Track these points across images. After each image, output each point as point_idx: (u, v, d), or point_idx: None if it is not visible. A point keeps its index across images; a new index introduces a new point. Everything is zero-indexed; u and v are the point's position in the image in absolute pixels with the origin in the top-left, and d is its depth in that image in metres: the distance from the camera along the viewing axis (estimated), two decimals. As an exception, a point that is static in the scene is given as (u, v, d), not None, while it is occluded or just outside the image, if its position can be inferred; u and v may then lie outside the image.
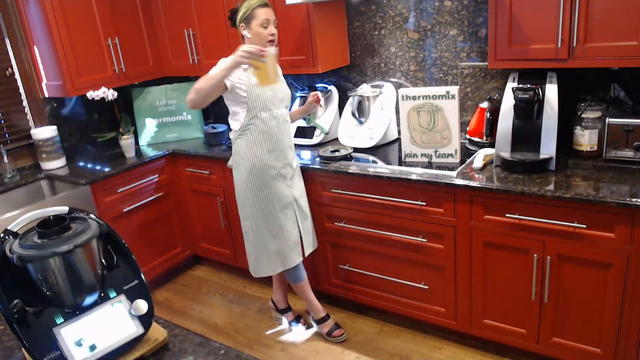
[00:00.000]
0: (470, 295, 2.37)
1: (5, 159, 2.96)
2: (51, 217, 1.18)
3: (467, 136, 2.64)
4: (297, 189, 2.55)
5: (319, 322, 2.73)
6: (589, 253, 1.99)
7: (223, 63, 2.20)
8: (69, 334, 1.12)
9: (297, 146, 2.98)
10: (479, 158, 2.34)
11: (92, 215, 1.24)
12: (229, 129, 2.55)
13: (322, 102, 2.78)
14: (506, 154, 2.24)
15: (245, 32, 2.35)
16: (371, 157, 2.64)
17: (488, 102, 2.54)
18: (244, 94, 2.32)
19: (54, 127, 3.13)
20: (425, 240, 2.40)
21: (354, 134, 2.82)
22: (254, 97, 2.33)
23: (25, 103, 3.18)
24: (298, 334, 2.79)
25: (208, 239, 3.42)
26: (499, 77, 2.59)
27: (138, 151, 3.33)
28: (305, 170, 2.67)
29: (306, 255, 2.61)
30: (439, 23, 2.67)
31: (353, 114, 2.85)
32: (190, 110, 3.55)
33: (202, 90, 2.23)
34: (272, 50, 2.17)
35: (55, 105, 3.26)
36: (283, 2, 2.70)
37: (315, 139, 2.93)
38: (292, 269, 2.56)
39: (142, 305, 1.20)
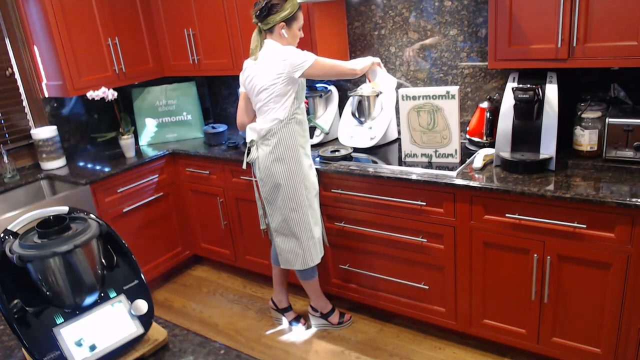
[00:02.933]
0: (470, 295, 2.37)
1: (5, 159, 2.96)
2: (51, 217, 1.18)
3: (467, 136, 2.64)
4: None
5: (328, 315, 2.76)
6: (589, 253, 1.99)
7: (364, 62, 2.56)
8: (69, 334, 1.12)
9: (297, 146, 2.99)
10: (479, 158, 2.34)
11: (92, 215, 1.24)
12: (271, 120, 2.41)
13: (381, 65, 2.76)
14: (506, 154, 2.24)
15: (283, 31, 2.34)
16: (371, 157, 2.64)
17: (488, 102, 2.54)
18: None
19: (54, 127, 3.14)
20: (426, 240, 2.40)
21: (354, 134, 2.82)
22: (302, 86, 2.42)
23: (25, 103, 3.19)
24: (298, 334, 2.79)
25: (208, 239, 3.42)
26: (499, 77, 2.59)
27: (138, 151, 3.33)
28: (305, 170, 2.67)
29: (327, 243, 2.74)
30: (439, 23, 2.67)
31: (353, 114, 2.85)
32: (190, 110, 3.55)
33: (357, 71, 2.52)
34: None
35: (55, 105, 3.26)
36: (283, 2, 2.71)
37: (315, 139, 2.93)
38: (313, 266, 2.61)
39: (142, 305, 1.20)
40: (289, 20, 2.33)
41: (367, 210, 2.54)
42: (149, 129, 3.53)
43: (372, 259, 2.64)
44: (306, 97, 2.97)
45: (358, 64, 2.53)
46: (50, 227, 1.13)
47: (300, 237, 2.52)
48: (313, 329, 2.80)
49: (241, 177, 2.98)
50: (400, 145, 2.65)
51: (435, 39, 2.68)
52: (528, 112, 2.17)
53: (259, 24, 2.35)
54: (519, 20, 2.14)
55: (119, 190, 3.01)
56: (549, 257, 2.08)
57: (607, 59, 2.00)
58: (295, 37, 2.41)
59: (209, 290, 3.36)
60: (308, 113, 2.93)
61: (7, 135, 3.11)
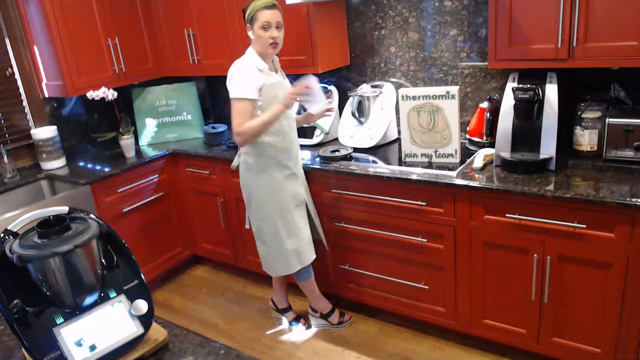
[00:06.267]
0: (470, 295, 2.37)
1: (5, 159, 2.96)
2: (51, 217, 1.18)
3: (467, 136, 2.64)
4: (306, 187, 2.60)
5: (327, 315, 2.77)
6: (589, 253, 1.99)
7: (275, 110, 2.26)
8: (69, 334, 1.12)
9: (297, 146, 2.99)
10: (479, 158, 2.34)
11: (92, 215, 1.24)
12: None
13: (333, 106, 2.64)
14: (506, 154, 2.24)
15: (249, 34, 2.33)
16: (371, 157, 2.64)
17: (488, 102, 2.53)
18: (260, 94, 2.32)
19: (54, 127, 3.14)
20: (426, 240, 2.40)
21: (354, 134, 2.82)
22: (271, 96, 2.31)
23: (25, 103, 3.18)
24: (298, 334, 2.79)
25: (208, 239, 3.42)
26: (499, 77, 2.59)
27: (138, 151, 3.33)
28: (305, 170, 2.66)
29: (327, 247, 2.73)
30: (439, 23, 2.67)
31: (353, 114, 2.85)
32: (190, 110, 3.56)
33: (257, 134, 2.30)
34: (311, 78, 2.26)
35: (55, 105, 3.26)
36: (283, 2, 2.70)
37: (315, 139, 2.93)
38: (306, 267, 2.59)
39: (142, 305, 1.20)
40: (251, 21, 2.29)
41: (367, 210, 2.54)
42: (149, 129, 3.53)
43: (372, 259, 2.64)
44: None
45: (266, 116, 2.27)
46: (50, 227, 1.13)
47: (269, 246, 2.53)
48: (313, 329, 2.80)
49: (241, 177, 2.98)
50: (400, 145, 2.65)
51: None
52: (528, 112, 2.17)
53: None
54: (519, 20, 2.14)
55: (119, 190, 3.01)
56: (549, 257, 2.08)
57: (607, 59, 2.00)
58: (259, 38, 2.27)
59: (209, 290, 3.36)
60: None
61: (7, 135, 3.11)
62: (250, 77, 2.27)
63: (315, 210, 2.68)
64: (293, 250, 2.51)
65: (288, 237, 2.48)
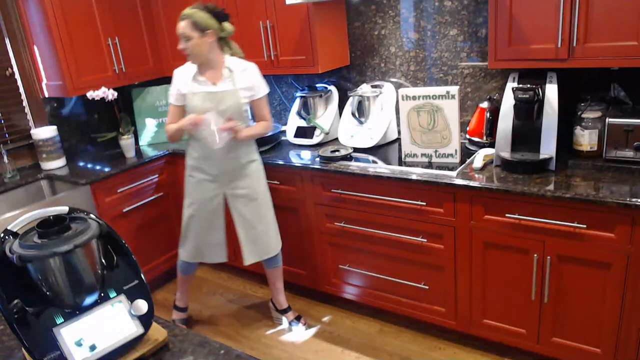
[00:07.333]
0: (470, 295, 2.37)
1: (5, 159, 2.96)
2: (51, 217, 1.18)
3: (467, 136, 2.64)
4: (241, 197, 2.56)
5: (283, 312, 2.87)
6: (589, 253, 1.99)
7: (179, 124, 2.41)
8: (69, 334, 1.12)
9: (297, 146, 2.99)
10: (479, 158, 2.34)
11: (92, 215, 1.24)
12: None
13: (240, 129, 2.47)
14: (506, 154, 2.24)
15: None
16: (371, 157, 2.64)
17: (488, 102, 2.53)
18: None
19: (54, 127, 3.13)
20: (425, 240, 2.40)
21: (354, 134, 2.82)
22: (191, 107, 2.41)
23: (25, 103, 3.18)
24: (298, 334, 2.79)
25: (208, 239, 3.41)
26: (499, 77, 2.59)
27: (138, 151, 3.33)
28: (305, 170, 2.67)
29: (245, 264, 2.68)
30: (439, 23, 2.67)
31: (353, 114, 2.85)
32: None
33: (171, 138, 2.49)
34: (207, 116, 2.29)
35: (55, 105, 3.26)
36: (283, 2, 2.71)
37: (315, 139, 2.93)
38: (189, 263, 2.77)
39: (142, 305, 1.20)
40: None
41: (367, 210, 2.54)
42: (149, 129, 3.53)
43: (372, 259, 2.64)
44: (306, 97, 2.97)
45: (174, 125, 2.44)
46: (50, 227, 1.13)
47: (185, 229, 2.68)
48: (313, 329, 2.80)
49: (241, 177, 2.98)
50: (400, 145, 2.65)
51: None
52: (528, 112, 2.17)
53: None
54: (519, 20, 2.14)
55: (119, 190, 3.01)
56: (549, 257, 2.08)
57: (607, 59, 2.00)
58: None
59: (209, 290, 3.36)
60: (306, 116, 2.91)
61: (7, 135, 3.11)
62: (174, 84, 2.46)
63: (257, 223, 2.60)
64: (197, 246, 2.66)
65: (183, 239, 2.67)
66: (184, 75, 2.43)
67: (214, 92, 2.38)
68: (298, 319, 2.85)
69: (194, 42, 2.32)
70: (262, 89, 2.48)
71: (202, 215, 2.58)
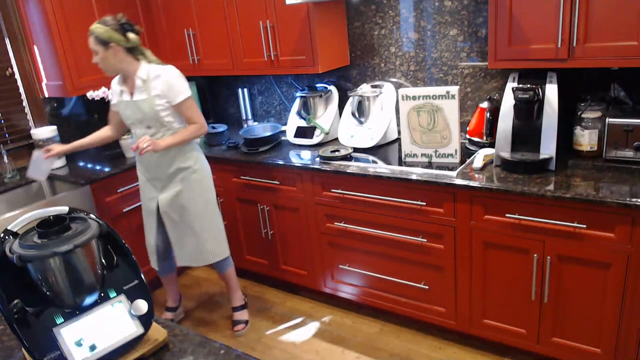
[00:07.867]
0: (470, 295, 2.37)
1: (5, 159, 2.96)
2: (51, 217, 1.18)
3: (467, 136, 2.64)
4: (170, 202, 2.57)
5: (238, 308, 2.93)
6: (589, 253, 1.99)
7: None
8: (69, 334, 1.12)
9: (297, 146, 2.99)
10: (479, 158, 2.34)
11: (92, 215, 1.24)
12: None
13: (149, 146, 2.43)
14: (506, 154, 2.24)
15: None
16: (371, 157, 2.64)
17: (488, 102, 2.53)
18: None
19: (54, 127, 3.13)
20: (425, 240, 2.40)
21: (354, 134, 2.82)
22: (121, 114, 2.52)
23: (25, 103, 3.18)
24: (298, 334, 2.79)
25: (208, 239, 3.41)
26: (499, 77, 2.59)
27: (138, 151, 3.32)
28: (305, 170, 2.67)
29: (177, 264, 2.76)
30: (439, 23, 2.67)
31: (353, 114, 2.85)
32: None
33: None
34: (34, 153, 2.51)
35: (55, 105, 3.26)
36: (283, 2, 2.71)
37: (315, 139, 2.93)
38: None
39: (142, 305, 1.20)
40: None
41: (367, 210, 2.54)
42: (149, 129, 3.53)
43: (372, 259, 2.64)
44: (306, 97, 2.98)
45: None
46: (50, 227, 1.13)
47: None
48: (313, 329, 2.80)
49: (241, 177, 2.98)
50: (400, 145, 2.65)
51: None
52: (528, 112, 2.17)
53: None
54: (519, 20, 2.14)
55: (119, 190, 3.01)
56: (549, 257, 2.08)
57: (607, 59, 2.00)
58: None
59: (209, 290, 3.35)
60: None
61: (7, 135, 3.11)
62: (110, 91, 2.59)
63: (191, 229, 2.60)
64: (149, 246, 2.75)
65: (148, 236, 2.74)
66: (114, 85, 2.51)
67: (132, 102, 2.41)
68: (241, 323, 2.87)
69: (100, 56, 2.34)
70: (180, 94, 2.37)
71: (145, 216, 2.69)
